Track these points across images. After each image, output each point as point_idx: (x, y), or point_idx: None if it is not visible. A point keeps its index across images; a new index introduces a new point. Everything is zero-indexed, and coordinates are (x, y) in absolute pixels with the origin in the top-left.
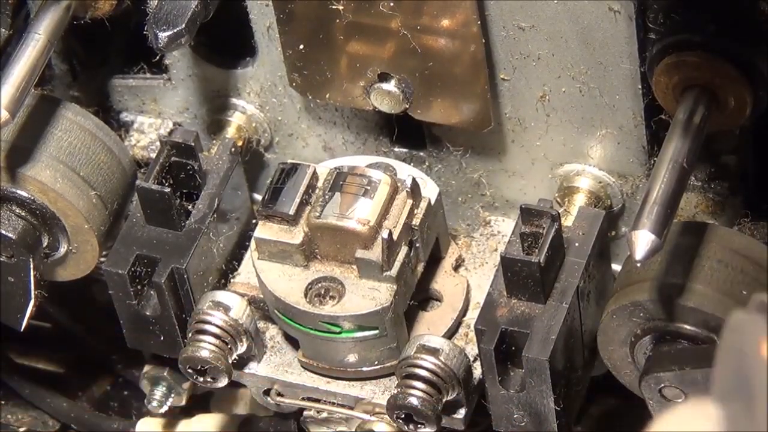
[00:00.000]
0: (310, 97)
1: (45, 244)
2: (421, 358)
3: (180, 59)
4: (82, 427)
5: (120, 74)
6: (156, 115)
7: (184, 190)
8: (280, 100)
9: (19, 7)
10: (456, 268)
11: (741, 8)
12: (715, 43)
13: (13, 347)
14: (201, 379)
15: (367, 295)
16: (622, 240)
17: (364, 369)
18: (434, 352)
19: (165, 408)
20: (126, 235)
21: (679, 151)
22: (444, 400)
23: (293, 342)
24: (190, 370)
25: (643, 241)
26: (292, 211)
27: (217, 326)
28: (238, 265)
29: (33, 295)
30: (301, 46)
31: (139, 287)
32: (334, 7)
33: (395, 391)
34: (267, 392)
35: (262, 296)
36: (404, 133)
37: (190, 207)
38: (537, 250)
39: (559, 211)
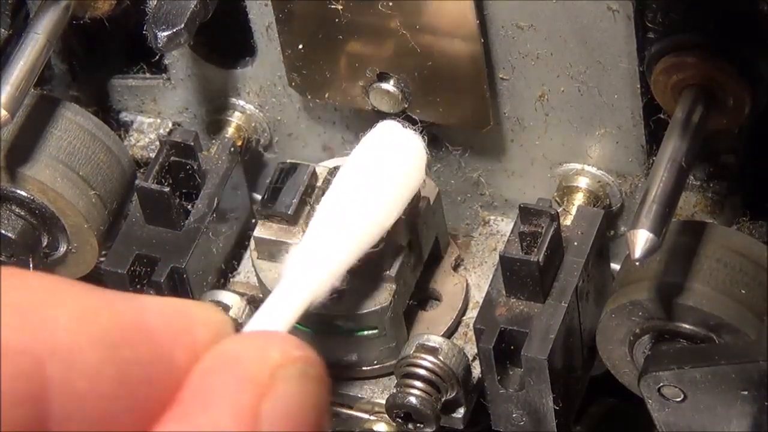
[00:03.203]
0: (309, 97)
1: (45, 243)
2: (420, 357)
3: (179, 59)
4: None
5: (119, 74)
6: (155, 114)
7: (184, 190)
8: (279, 99)
9: (19, 7)
10: (455, 268)
11: (740, 8)
12: (714, 43)
13: None
14: None
15: (366, 295)
16: (621, 239)
17: (364, 368)
18: (433, 351)
19: None
20: (125, 234)
21: (678, 151)
22: (443, 399)
23: None
24: None
25: (641, 240)
26: (291, 211)
27: None
28: (238, 265)
29: None
30: (301, 46)
31: (138, 287)
32: (333, 7)
33: (394, 391)
34: None
35: (261, 296)
36: None
37: (189, 207)
38: (536, 250)
39: (558, 211)
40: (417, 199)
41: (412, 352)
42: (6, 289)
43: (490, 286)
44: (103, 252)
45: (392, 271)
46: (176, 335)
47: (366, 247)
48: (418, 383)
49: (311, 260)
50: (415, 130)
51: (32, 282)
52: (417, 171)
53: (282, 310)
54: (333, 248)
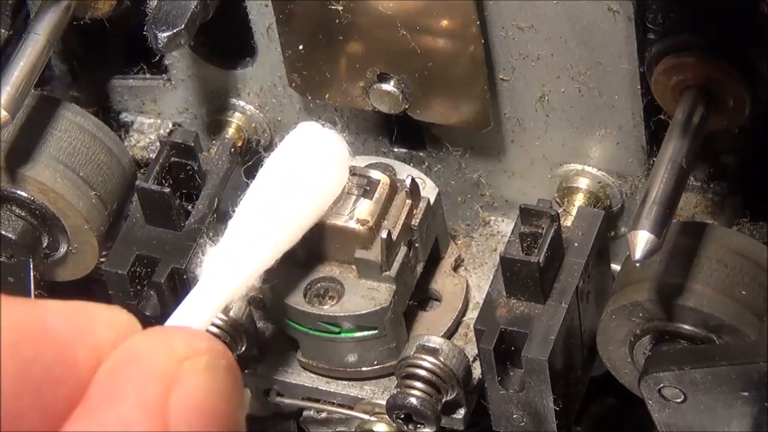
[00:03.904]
0: (309, 98)
1: (45, 244)
2: (420, 358)
3: (180, 59)
4: None
5: (120, 74)
6: (156, 115)
7: (184, 191)
8: (279, 100)
9: (19, 7)
10: (455, 268)
11: (741, 8)
12: (714, 44)
13: None
14: None
15: (366, 295)
16: (622, 240)
17: (364, 369)
18: (433, 351)
19: None
20: (126, 235)
21: (678, 151)
22: (443, 400)
23: (293, 342)
24: None
25: (642, 241)
26: None
27: (217, 326)
28: None
29: (33, 296)
30: (301, 47)
31: (139, 287)
32: (333, 7)
33: (395, 391)
34: (267, 392)
35: (262, 296)
36: (403, 133)
37: (189, 207)
38: (536, 250)
39: (559, 211)
40: (418, 200)
41: (412, 352)
42: None
43: (490, 286)
44: (104, 252)
45: (392, 272)
46: (78, 335)
47: (285, 247)
48: (418, 384)
49: (229, 261)
50: (335, 130)
51: None
52: (339, 171)
53: (198, 310)
54: (251, 248)
